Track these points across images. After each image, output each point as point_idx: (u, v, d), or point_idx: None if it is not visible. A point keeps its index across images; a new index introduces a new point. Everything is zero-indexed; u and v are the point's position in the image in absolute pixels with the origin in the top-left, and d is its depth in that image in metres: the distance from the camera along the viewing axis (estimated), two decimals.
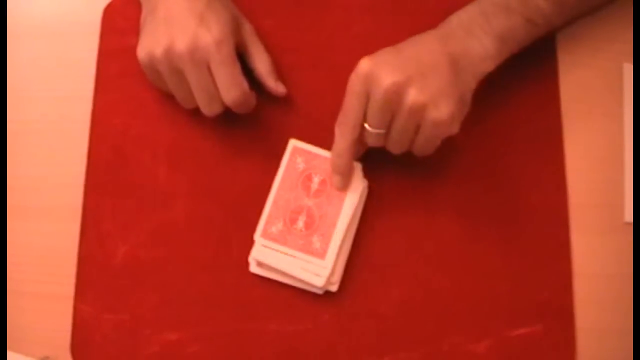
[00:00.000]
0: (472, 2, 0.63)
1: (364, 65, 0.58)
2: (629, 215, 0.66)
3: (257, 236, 0.63)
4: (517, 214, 0.66)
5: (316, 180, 0.64)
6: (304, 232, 0.63)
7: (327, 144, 0.66)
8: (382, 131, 0.59)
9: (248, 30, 0.66)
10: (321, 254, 0.62)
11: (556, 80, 0.69)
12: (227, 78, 0.60)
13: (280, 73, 0.68)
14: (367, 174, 0.64)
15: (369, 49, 0.69)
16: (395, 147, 0.61)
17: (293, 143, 0.65)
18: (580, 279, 0.65)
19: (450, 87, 0.58)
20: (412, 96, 0.57)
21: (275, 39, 0.69)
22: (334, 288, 0.63)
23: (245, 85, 0.62)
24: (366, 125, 0.59)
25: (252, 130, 0.67)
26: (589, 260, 0.65)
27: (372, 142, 0.61)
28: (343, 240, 0.63)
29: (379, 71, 0.57)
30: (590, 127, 0.68)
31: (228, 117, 0.64)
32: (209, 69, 0.60)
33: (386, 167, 0.66)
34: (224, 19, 0.62)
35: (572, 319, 0.64)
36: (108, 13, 0.70)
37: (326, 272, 0.61)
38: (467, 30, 0.62)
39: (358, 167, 0.64)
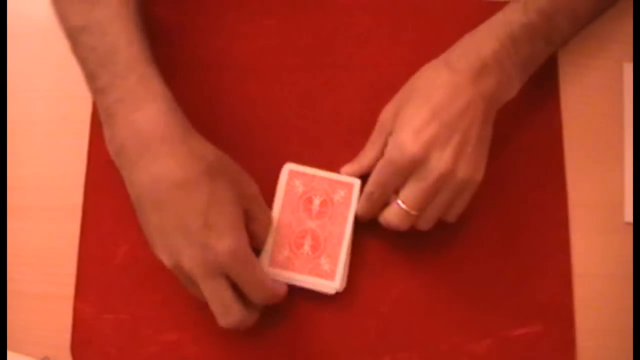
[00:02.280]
0: (502, 21, 0.60)
1: (412, 147, 0.56)
2: (629, 215, 0.66)
3: (265, 266, 0.61)
4: (517, 214, 0.66)
5: (317, 201, 0.63)
6: (311, 255, 0.62)
7: (326, 143, 0.66)
8: (416, 213, 0.58)
9: (251, 196, 0.59)
10: (330, 275, 0.62)
11: (556, 80, 0.69)
12: (251, 284, 0.55)
13: (280, 73, 0.67)
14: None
15: (369, 50, 0.69)
16: (428, 222, 0.59)
17: (289, 167, 0.63)
18: (580, 279, 0.65)
19: (486, 143, 0.58)
20: (463, 172, 0.56)
21: (275, 39, 0.69)
22: (339, 289, 0.63)
23: (269, 283, 0.57)
24: (400, 203, 0.57)
25: (252, 129, 0.67)
26: (589, 260, 0.65)
27: (399, 222, 0.58)
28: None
29: (429, 154, 0.55)
30: (590, 127, 0.68)
31: (228, 117, 0.64)
32: (226, 276, 0.54)
33: None
34: (231, 207, 0.54)
35: (572, 319, 0.64)
36: None
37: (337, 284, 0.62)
38: (499, 63, 0.58)
39: (357, 183, 0.63)
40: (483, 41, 0.59)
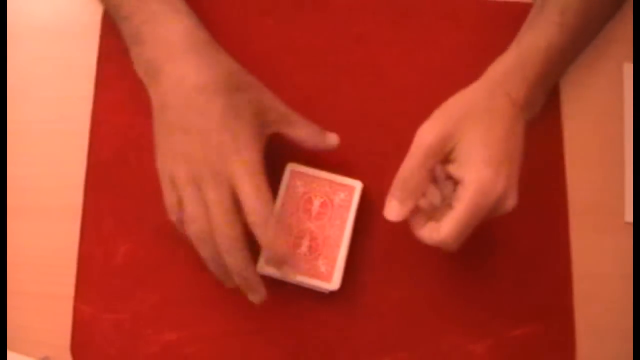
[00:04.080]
0: (542, 39, 0.60)
1: (499, 185, 0.54)
2: (629, 215, 0.66)
3: (262, 264, 0.61)
4: (517, 214, 0.66)
5: (316, 203, 0.63)
6: (309, 256, 0.62)
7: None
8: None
9: (275, 115, 0.60)
10: (327, 277, 0.61)
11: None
12: (251, 199, 0.55)
13: (279, 74, 0.67)
14: (367, 173, 0.64)
15: (369, 50, 0.69)
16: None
17: (291, 167, 0.63)
18: (580, 279, 0.65)
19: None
20: (513, 201, 0.55)
21: (275, 39, 0.69)
22: (335, 289, 0.63)
23: (269, 208, 0.56)
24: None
25: None
26: (589, 260, 0.65)
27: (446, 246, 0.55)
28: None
29: (509, 193, 0.55)
30: (590, 127, 0.68)
31: None
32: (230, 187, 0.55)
33: (386, 166, 0.66)
34: (248, 118, 0.56)
35: (572, 319, 0.64)
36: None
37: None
38: (541, 87, 0.60)
39: (358, 186, 0.63)
40: (529, 65, 0.59)
